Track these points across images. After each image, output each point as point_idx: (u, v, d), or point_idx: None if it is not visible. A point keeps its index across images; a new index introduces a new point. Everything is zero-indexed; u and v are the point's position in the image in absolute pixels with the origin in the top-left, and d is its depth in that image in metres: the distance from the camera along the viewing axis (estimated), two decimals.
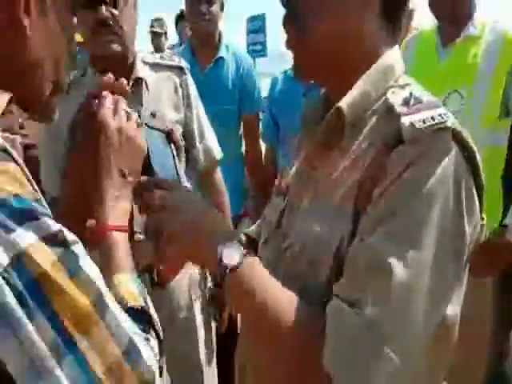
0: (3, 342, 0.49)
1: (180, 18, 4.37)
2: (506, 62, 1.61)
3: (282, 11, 0.77)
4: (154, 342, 0.64)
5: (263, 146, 2.46)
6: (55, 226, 0.54)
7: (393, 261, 0.60)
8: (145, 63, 1.37)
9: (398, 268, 0.60)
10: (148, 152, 0.80)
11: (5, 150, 0.55)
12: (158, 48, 4.60)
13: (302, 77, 0.83)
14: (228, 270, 0.64)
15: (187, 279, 1.44)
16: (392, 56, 0.76)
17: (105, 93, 0.77)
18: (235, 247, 0.66)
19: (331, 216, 0.69)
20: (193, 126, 1.45)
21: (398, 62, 0.77)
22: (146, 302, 0.68)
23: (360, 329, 0.60)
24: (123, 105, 0.77)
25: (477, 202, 0.68)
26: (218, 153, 1.56)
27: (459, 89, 1.65)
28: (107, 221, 0.72)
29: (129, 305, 0.64)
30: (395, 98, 0.71)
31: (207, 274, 1.49)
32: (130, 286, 0.67)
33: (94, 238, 0.71)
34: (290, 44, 0.77)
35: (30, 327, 0.51)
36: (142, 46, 2.38)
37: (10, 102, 0.61)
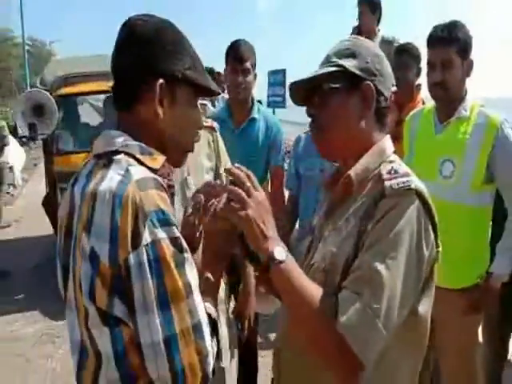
0: (138, 281, 0.86)
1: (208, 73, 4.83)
2: (489, 139, 1.91)
3: (300, 67, 1.16)
4: (214, 343, 0.97)
5: (286, 192, 2.80)
6: (178, 234, 0.91)
7: (380, 267, 0.94)
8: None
9: (383, 271, 0.94)
10: None
11: (162, 185, 0.94)
12: None
13: (323, 157, 1.20)
14: (277, 262, 0.96)
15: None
16: (384, 143, 1.11)
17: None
18: (283, 249, 0.97)
19: (342, 242, 1.04)
20: (221, 171, 1.81)
21: (389, 146, 1.11)
22: (217, 317, 1.02)
23: (361, 307, 0.93)
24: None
25: (432, 235, 1.01)
26: None
27: (451, 158, 1.95)
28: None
29: (207, 311, 0.97)
30: (384, 169, 1.05)
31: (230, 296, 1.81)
32: (211, 303, 1.03)
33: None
34: (314, 139, 1.16)
35: (150, 281, 0.87)
36: None
37: (166, 160, 1.01)
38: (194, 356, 0.90)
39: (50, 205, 4.83)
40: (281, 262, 0.95)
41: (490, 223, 2.10)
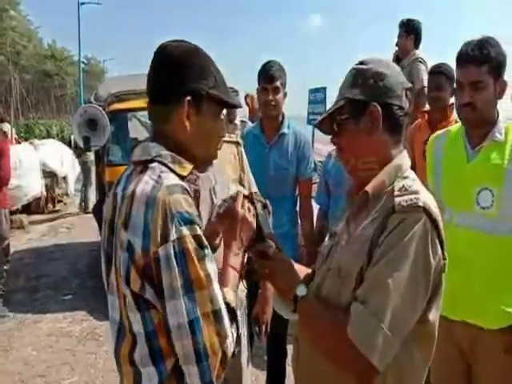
0: (167, 271, 1.01)
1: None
2: None
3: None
4: (234, 329, 1.09)
5: (315, 206, 2.94)
6: (199, 232, 1.06)
7: (386, 277, 1.04)
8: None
9: (389, 280, 1.04)
10: (257, 217, 1.31)
11: (188, 191, 1.09)
12: (229, 114, 5.21)
13: (347, 173, 1.28)
14: (300, 297, 1.17)
15: (238, 300, 1.92)
16: (401, 158, 1.19)
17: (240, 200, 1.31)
18: (303, 287, 1.18)
19: (356, 253, 1.13)
20: (244, 182, 2.00)
21: (405, 161, 1.20)
22: (236, 307, 1.13)
23: (366, 315, 1.04)
24: (247, 203, 1.32)
25: (439, 248, 1.09)
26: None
27: (489, 187, 1.76)
28: (229, 261, 1.23)
29: (226, 300, 1.09)
30: (397, 185, 1.14)
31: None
32: (231, 294, 1.15)
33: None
34: (339, 161, 1.31)
35: (176, 270, 1.01)
36: None
37: (194, 168, 1.17)
38: (215, 337, 1.03)
39: (99, 212, 5.10)
40: (302, 297, 1.18)
41: None
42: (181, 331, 1.02)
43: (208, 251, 1.07)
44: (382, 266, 1.06)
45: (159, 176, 1.07)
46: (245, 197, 1.34)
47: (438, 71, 2.93)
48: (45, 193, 8.73)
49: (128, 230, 1.04)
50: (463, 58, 1.80)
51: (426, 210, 1.08)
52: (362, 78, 1.18)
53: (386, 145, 1.20)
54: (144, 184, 1.06)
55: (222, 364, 1.05)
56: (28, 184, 8.10)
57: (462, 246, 1.75)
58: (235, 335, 1.10)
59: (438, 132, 2.11)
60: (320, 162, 4.15)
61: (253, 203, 1.34)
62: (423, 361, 1.18)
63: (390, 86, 1.17)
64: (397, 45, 4.25)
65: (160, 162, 1.11)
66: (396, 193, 1.12)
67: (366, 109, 1.16)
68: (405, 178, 1.17)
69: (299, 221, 2.79)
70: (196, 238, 1.04)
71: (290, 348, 2.83)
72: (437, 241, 1.09)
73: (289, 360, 2.69)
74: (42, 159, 8.57)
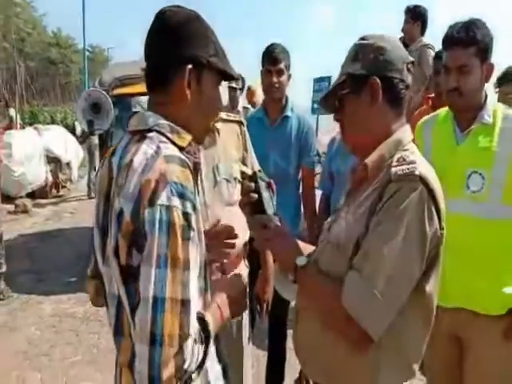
0: (149, 235, 0.93)
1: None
2: None
3: None
4: (200, 349, 0.98)
5: (318, 195, 2.93)
6: (191, 211, 0.97)
7: (380, 245, 1.06)
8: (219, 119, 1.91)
9: (382, 248, 1.05)
10: (260, 196, 1.30)
11: (187, 163, 1.03)
12: (232, 100, 5.18)
13: (350, 153, 1.33)
14: (299, 267, 1.18)
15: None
16: (402, 132, 1.20)
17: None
18: (303, 258, 1.20)
19: (354, 223, 1.15)
20: (247, 162, 1.99)
21: (406, 135, 1.21)
22: (211, 335, 1.04)
23: (360, 281, 1.06)
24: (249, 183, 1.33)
25: (436, 217, 1.09)
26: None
27: (479, 169, 1.72)
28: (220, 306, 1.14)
29: (202, 316, 1.03)
30: (395, 157, 1.14)
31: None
32: (210, 318, 1.06)
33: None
34: (342, 139, 1.33)
35: (157, 238, 0.93)
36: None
37: (192, 139, 1.12)
38: (176, 328, 0.92)
39: None
40: (302, 266, 1.19)
41: None
42: (144, 304, 0.93)
43: (194, 234, 0.99)
44: (377, 234, 1.08)
45: (158, 146, 1.02)
46: (248, 176, 1.34)
47: (441, 56, 2.91)
48: (50, 178, 8.78)
49: (121, 198, 0.98)
50: (449, 40, 1.78)
51: (422, 180, 1.08)
52: (363, 53, 1.20)
53: (386, 118, 1.21)
54: (142, 154, 1.00)
55: (176, 373, 0.93)
56: (32, 172, 8.15)
57: (454, 232, 1.58)
58: (199, 357, 1.00)
59: (425, 117, 2.07)
60: (324, 153, 4.15)
61: (256, 182, 1.34)
62: (421, 332, 1.19)
63: (390, 60, 1.18)
64: (402, 31, 4.23)
65: (158, 132, 1.07)
66: (394, 163, 1.13)
67: (366, 82, 1.18)
68: (405, 150, 1.18)
69: (302, 208, 2.80)
70: (185, 215, 0.97)
71: (290, 333, 2.85)
72: (433, 210, 1.09)
73: (289, 344, 2.72)
74: (46, 145, 8.62)
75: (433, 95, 3.13)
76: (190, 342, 0.95)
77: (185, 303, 0.94)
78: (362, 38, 1.23)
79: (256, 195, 1.32)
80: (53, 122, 20.06)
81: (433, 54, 3.91)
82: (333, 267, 1.18)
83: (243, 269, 1.97)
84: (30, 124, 13.16)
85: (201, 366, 1.02)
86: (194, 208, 1.00)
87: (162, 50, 1.10)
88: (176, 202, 0.95)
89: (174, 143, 1.07)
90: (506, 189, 1.70)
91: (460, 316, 1.81)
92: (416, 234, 1.07)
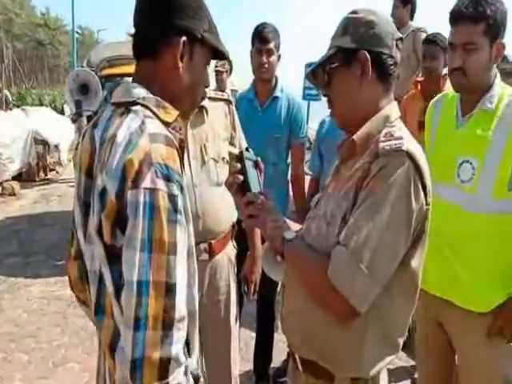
0: (131, 217, 0.89)
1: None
2: None
3: None
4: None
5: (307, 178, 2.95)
6: (177, 193, 0.93)
7: (365, 220, 1.06)
8: (206, 97, 1.88)
9: (368, 223, 1.05)
10: (246, 176, 1.29)
11: (173, 142, 0.98)
12: (219, 83, 5.12)
13: (339, 128, 1.29)
14: (287, 241, 1.19)
15: (227, 259, 1.94)
16: (389, 109, 1.20)
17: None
18: (291, 232, 1.21)
19: (342, 198, 1.15)
20: (235, 141, 1.98)
21: (394, 112, 1.20)
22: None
23: (346, 255, 1.06)
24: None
25: (422, 193, 1.09)
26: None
27: (470, 158, 1.63)
28: None
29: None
30: (383, 133, 1.14)
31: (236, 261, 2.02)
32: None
33: None
34: (331, 114, 1.31)
35: (141, 221, 0.89)
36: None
37: (178, 114, 1.08)
38: (160, 311, 0.89)
39: None
40: (290, 240, 1.20)
41: None
42: (128, 288, 0.90)
43: (181, 217, 0.95)
44: (363, 209, 1.08)
45: (143, 122, 0.97)
46: (235, 157, 1.32)
47: (432, 40, 2.89)
48: (37, 161, 8.66)
49: (104, 175, 0.94)
50: (455, 15, 1.62)
51: (409, 155, 1.08)
52: (353, 27, 1.18)
53: (375, 94, 1.20)
54: (126, 129, 0.96)
55: (161, 357, 0.89)
56: (19, 154, 8.03)
57: (441, 221, 1.53)
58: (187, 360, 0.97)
59: (438, 96, 1.95)
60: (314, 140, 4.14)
61: (242, 161, 1.32)
62: (406, 307, 1.20)
63: (380, 35, 1.17)
64: (392, 15, 4.20)
65: (143, 105, 1.02)
66: (381, 139, 1.13)
67: (355, 56, 1.16)
68: (392, 126, 1.18)
69: (290, 186, 2.80)
70: (171, 197, 0.93)
71: (278, 317, 2.86)
72: (419, 185, 1.09)
73: (278, 326, 2.74)
74: (34, 127, 8.47)
75: (421, 78, 3.12)
76: (182, 321, 0.92)
77: (170, 287, 0.91)
78: (353, 12, 1.21)
79: (241, 176, 1.30)
80: (41, 104, 19.75)
81: None
82: (320, 242, 1.17)
83: (231, 250, 1.96)
84: (18, 106, 12.94)
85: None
86: (182, 189, 0.97)
87: (154, 17, 1.05)
88: (161, 184, 0.91)
89: (159, 118, 1.03)
90: (496, 181, 1.59)
91: (443, 306, 1.76)
92: (402, 209, 1.07)
